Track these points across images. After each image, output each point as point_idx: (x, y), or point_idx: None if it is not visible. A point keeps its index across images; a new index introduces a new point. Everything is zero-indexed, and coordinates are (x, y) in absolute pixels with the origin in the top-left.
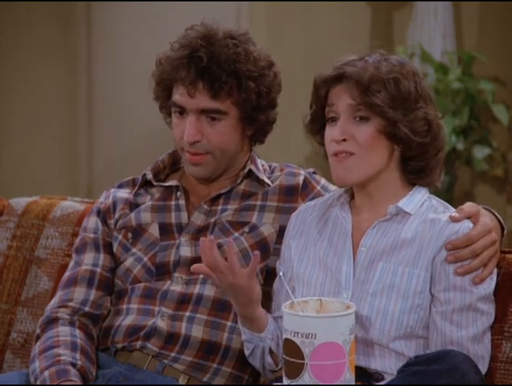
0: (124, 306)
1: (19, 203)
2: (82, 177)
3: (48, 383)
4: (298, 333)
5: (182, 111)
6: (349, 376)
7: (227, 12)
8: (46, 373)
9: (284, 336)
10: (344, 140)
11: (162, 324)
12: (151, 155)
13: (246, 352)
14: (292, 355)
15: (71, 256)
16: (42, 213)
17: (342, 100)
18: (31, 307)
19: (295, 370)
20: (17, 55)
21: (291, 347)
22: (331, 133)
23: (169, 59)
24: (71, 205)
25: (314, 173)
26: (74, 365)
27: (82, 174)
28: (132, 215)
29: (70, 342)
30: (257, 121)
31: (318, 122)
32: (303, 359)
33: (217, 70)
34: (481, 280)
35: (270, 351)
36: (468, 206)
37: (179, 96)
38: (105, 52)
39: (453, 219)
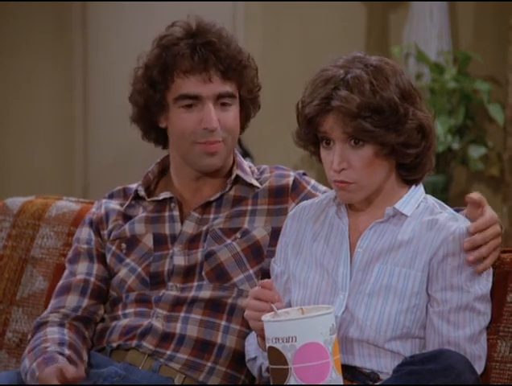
0: (120, 312)
1: (15, 202)
2: (78, 177)
3: (37, 372)
4: (278, 338)
5: (192, 103)
6: (336, 376)
7: (223, 12)
8: (34, 364)
9: (267, 345)
10: (343, 169)
11: (157, 324)
12: (147, 155)
13: (247, 357)
14: (276, 362)
15: (66, 255)
16: (37, 213)
17: (335, 131)
18: (27, 307)
19: (281, 376)
20: (12, 55)
21: (274, 354)
22: (328, 158)
23: (169, 54)
24: (66, 205)
25: (304, 174)
26: (62, 354)
27: (78, 174)
28: (126, 226)
29: (58, 339)
30: (254, 104)
31: (309, 142)
32: (286, 364)
33: (228, 51)
34: (484, 269)
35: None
36: (480, 195)
37: (191, 86)
38: (100, 53)
39: (468, 199)
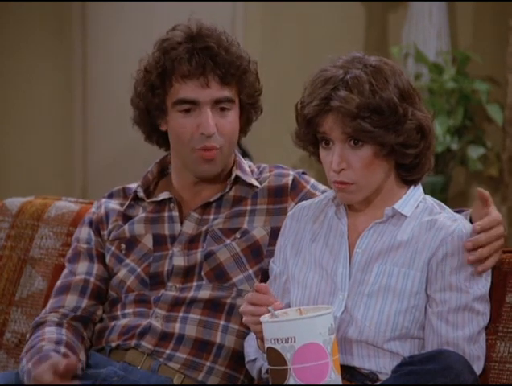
0: (119, 313)
1: (14, 203)
2: (77, 177)
3: (33, 372)
4: (277, 339)
5: (189, 108)
6: (335, 376)
7: (223, 12)
8: (30, 364)
9: (266, 346)
10: (343, 169)
11: (156, 323)
12: (146, 155)
13: (246, 359)
14: (275, 363)
15: (65, 256)
16: (36, 213)
17: (334, 131)
18: (25, 307)
19: (280, 377)
20: (12, 55)
21: (274, 355)
22: (327, 158)
23: (168, 58)
24: (65, 205)
25: (303, 173)
26: (57, 352)
27: (77, 175)
28: (125, 227)
29: (55, 338)
30: (255, 109)
31: (309, 142)
32: (285, 364)
33: (227, 56)
34: (484, 270)
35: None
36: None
37: (189, 91)
38: (100, 53)
39: (479, 193)
